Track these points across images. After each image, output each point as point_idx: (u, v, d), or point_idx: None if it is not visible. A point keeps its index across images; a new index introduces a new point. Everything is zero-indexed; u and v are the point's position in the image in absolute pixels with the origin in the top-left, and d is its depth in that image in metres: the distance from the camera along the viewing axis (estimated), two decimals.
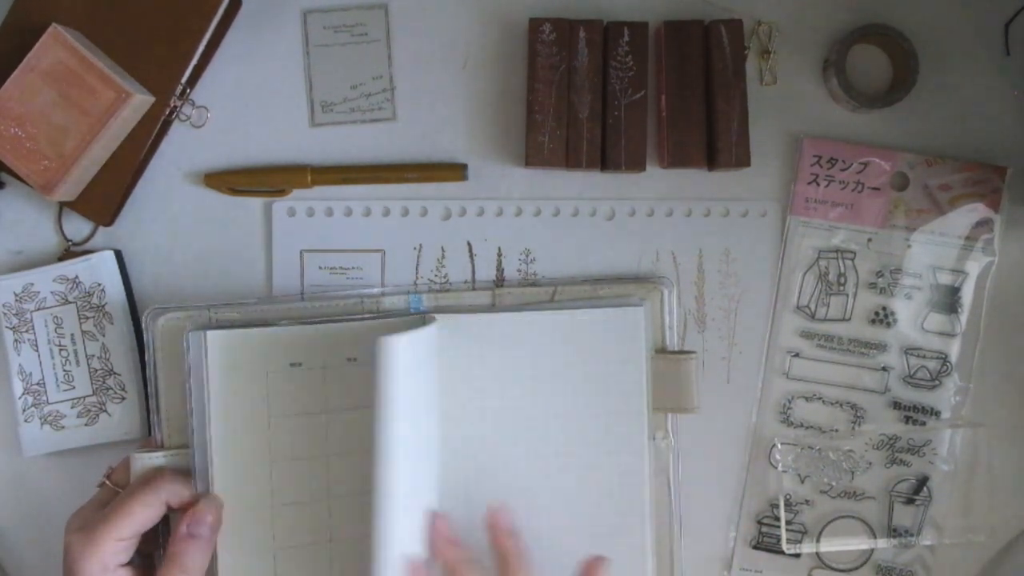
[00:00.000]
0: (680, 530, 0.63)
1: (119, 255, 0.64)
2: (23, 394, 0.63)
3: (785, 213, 0.66)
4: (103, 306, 0.63)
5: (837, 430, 0.65)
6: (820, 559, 0.65)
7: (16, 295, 0.63)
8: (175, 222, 0.65)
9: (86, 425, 0.63)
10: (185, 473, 0.57)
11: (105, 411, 0.63)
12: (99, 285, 0.63)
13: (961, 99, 0.66)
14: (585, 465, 0.61)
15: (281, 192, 0.65)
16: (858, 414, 0.65)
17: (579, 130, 0.62)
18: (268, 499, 0.58)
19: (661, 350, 0.63)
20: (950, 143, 0.66)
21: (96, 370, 0.63)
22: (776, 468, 0.65)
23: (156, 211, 0.65)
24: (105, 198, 0.62)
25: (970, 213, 0.65)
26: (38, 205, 0.65)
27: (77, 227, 0.65)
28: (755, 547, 0.65)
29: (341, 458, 0.59)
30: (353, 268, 0.65)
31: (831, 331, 0.65)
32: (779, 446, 0.65)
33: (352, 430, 0.59)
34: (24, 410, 0.63)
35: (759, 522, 0.65)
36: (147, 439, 0.61)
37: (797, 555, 0.65)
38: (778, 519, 0.65)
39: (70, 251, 0.64)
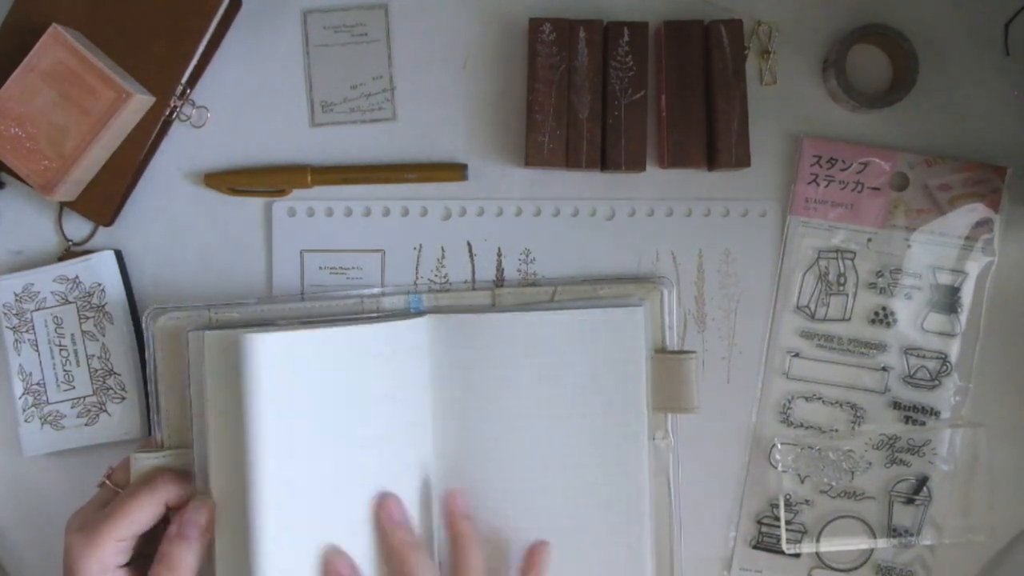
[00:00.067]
0: (680, 530, 0.63)
1: (119, 255, 0.64)
2: (23, 394, 0.63)
3: (785, 213, 0.66)
4: (103, 306, 0.63)
5: (837, 430, 0.65)
6: (820, 559, 0.65)
7: (16, 295, 0.63)
8: (175, 222, 0.65)
9: (86, 425, 0.63)
10: (185, 474, 0.57)
11: (105, 411, 0.63)
12: (99, 285, 0.63)
13: (961, 99, 0.66)
14: (585, 465, 0.61)
15: (281, 192, 0.65)
16: (858, 414, 0.65)
17: (579, 130, 0.62)
18: None
19: (661, 350, 0.63)
20: (950, 143, 0.66)
21: (96, 370, 0.63)
22: (776, 468, 0.65)
23: (156, 211, 0.65)
24: (105, 198, 0.62)
25: (970, 213, 0.65)
26: (38, 205, 0.65)
27: (77, 227, 0.65)
28: (755, 547, 0.65)
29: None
30: (353, 268, 0.65)
31: (831, 331, 0.65)
32: (779, 446, 0.65)
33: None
34: (24, 410, 0.63)
35: (759, 522, 0.65)
36: (147, 439, 0.61)
37: (797, 555, 0.65)
38: (778, 519, 0.65)
39: (70, 251, 0.65)
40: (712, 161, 0.63)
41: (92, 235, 0.65)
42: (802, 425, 0.65)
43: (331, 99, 0.65)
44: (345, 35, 0.65)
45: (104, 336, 0.63)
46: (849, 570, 0.65)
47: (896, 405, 0.65)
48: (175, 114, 0.64)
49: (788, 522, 0.65)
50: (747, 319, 0.66)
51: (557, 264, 0.65)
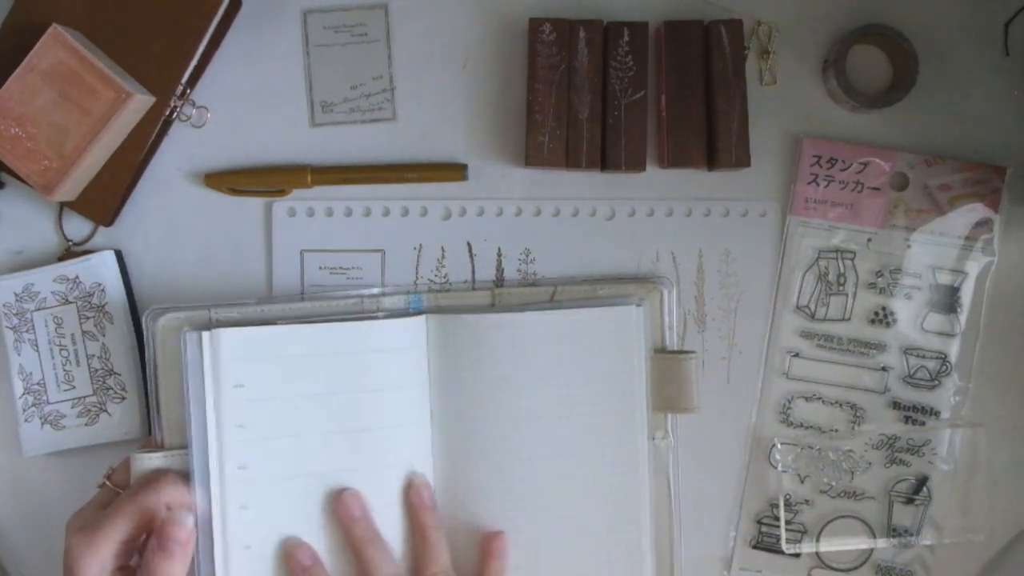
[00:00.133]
0: (680, 530, 0.63)
1: (119, 255, 0.64)
2: (23, 394, 0.63)
3: (785, 213, 0.66)
4: (103, 306, 0.63)
5: (837, 430, 0.65)
6: (820, 559, 0.65)
7: (16, 295, 0.63)
8: (175, 222, 0.65)
9: (86, 425, 0.63)
10: (186, 475, 0.57)
11: (105, 411, 0.63)
12: (99, 285, 0.63)
13: (961, 99, 0.66)
14: (584, 465, 0.61)
15: (281, 192, 0.65)
16: (858, 414, 0.65)
17: (579, 130, 0.62)
18: None
19: (661, 350, 0.63)
20: (950, 143, 0.66)
21: (96, 370, 0.63)
22: (776, 468, 0.65)
23: (156, 211, 0.65)
24: (105, 198, 0.62)
25: (970, 213, 0.65)
26: (38, 205, 0.65)
27: (77, 227, 0.65)
28: (755, 547, 0.65)
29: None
30: (353, 268, 0.65)
31: (831, 331, 0.65)
32: (779, 446, 0.65)
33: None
34: (24, 410, 0.63)
35: (759, 522, 0.65)
36: (147, 439, 0.61)
37: (797, 555, 0.65)
38: (778, 519, 0.65)
39: (70, 251, 0.65)
40: (712, 161, 0.63)
41: (92, 235, 0.65)
42: (802, 425, 0.65)
43: (331, 99, 0.65)
44: (345, 35, 0.65)
45: (104, 336, 0.63)
46: (849, 570, 0.65)
47: (896, 405, 0.65)
48: (175, 114, 0.64)
49: (788, 522, 0.65)
50: (747, 319, 0.66)
51: (557, 264, 0.65)
